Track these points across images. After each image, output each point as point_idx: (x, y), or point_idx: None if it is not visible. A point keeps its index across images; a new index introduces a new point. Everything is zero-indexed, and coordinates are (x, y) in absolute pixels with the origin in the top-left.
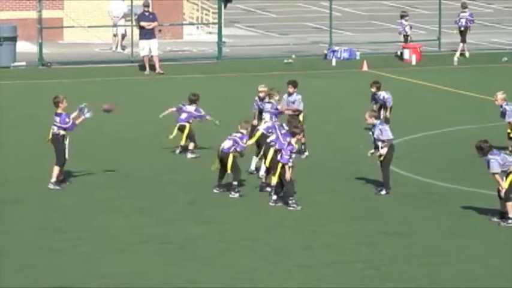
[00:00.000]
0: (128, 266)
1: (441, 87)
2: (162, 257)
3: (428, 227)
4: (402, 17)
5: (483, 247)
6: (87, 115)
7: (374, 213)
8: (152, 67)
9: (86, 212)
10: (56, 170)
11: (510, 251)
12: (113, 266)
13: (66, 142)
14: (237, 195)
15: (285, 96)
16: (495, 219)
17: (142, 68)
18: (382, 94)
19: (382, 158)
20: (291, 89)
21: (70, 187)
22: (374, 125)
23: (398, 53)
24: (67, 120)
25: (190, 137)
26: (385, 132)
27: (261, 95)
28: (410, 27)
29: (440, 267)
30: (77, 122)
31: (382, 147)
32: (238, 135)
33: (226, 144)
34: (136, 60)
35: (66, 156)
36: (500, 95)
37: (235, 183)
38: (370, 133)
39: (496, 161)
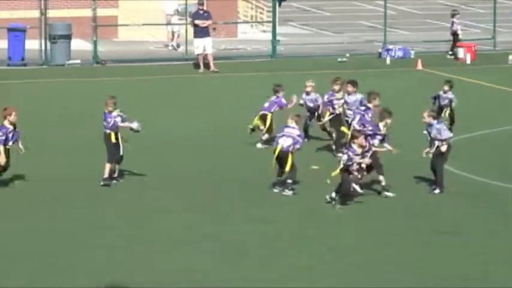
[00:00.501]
0: (182, 265)
1: (496, 86)
2: (216, 255)
3: (484, 227)
4: (453, 15)
5: None
6: (134, 126)
7: (429, 212)
8: (207, 65)
9: (137, 210)
10: (107, 167)
11: None
12: (167, 264)
13: (120, 140)
14: (290, 192)
15: (344, 95)
16: None
17: (196, 66)
18: (449, 94)
19: (440, 156)
20: (350, 88)
21: (122, 185)
22: (431, 125)
23: (449, 53)
24: (109, 120)
25: (268, 129)
26: (443, 131)
27: (308, 89)
28: (460, 27)
29: (495, 266)
30: (121, 125)
31: (442, 145)
32: (295, 132)
33: (286, 142)
34: (191, 58)
35: (121, 152)
36: None
37: (289, 181)
38: (426, 132)
39: None
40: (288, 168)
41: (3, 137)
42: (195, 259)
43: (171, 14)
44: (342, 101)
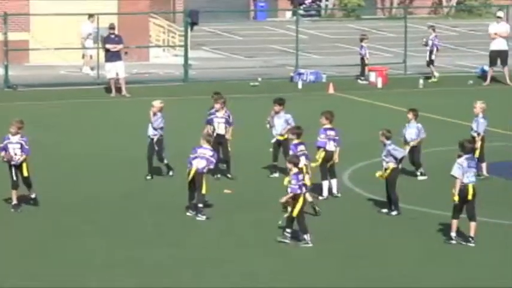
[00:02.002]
0: None
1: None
2: (132, 279)
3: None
4: (362, 40)
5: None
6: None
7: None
8: (118, 89)
9: (51, 234)
10: (13, 193)
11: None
12: None
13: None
14: (204, 217)
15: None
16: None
17: (108, 90)
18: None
19: (387, 176)
20: (277, 108)
21: (35, 209)
22: (384, 145)
23: (361, 78)
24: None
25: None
26: (394, 151)
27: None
28: (367, 51)
29: None
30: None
31: (388, 163)
32: (209, 152)
33: (200, 164)
34: (103, 83)
35: (14, 178)
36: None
37: (200, 205)
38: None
39: (461, 166)
40: (204, 190)
41: None
42: (112, 283)
43: (84, 37)
44: (223, 119)
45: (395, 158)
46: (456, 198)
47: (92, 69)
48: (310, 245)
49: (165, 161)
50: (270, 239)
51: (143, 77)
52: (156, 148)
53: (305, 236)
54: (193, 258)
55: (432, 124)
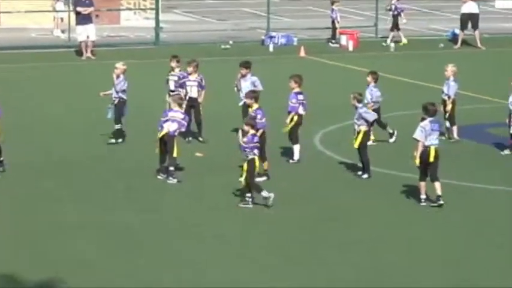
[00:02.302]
0: (68, 254)
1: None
2: (103, 244)
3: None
4: (333, 3)
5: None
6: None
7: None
8: (90, 52)
9: (24, 198)
10: None
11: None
12: (53, 253)
13: None
14: (175, 181)
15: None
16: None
17: (79, 53)
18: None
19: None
20: (243, 71)
21: (7, 173)
22: (356, 108)
23: (332, 41)
24: None
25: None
26: (365, 114)
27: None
28: (339, 14)
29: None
30: None
31: (360, 127)
32: (180, 115)
33: (172, 127)
34: (74, 45)
35: None
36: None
37: (171, 168)
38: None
39: (423, 129)
40: (175, 153)
41: None
42: (82, 248)
43: (55, 0)
44: (196, 83)
45: (367, 121)
46: (417, 161)
47: (63, 32)
48: (250, 206)
49: (118, 126)
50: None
51: (114, 40)
52: (117, 111)
53: (247, 196)
54: (164, 221)
55: (403, 87)
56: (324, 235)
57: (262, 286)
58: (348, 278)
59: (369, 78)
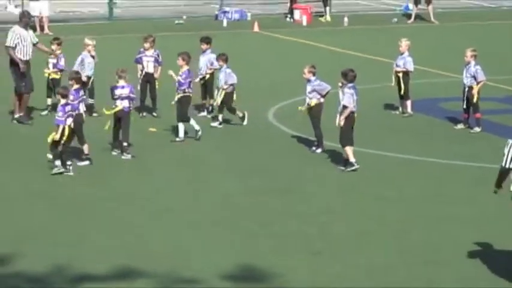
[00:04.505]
0: (16, 222)
1: (332, 48)
2: (51, 213)
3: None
4: None
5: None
6: None
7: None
8: (42, 28)
9: None
10: None
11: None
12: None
13: None
14: (129, 156)
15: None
16: (341, 167)
17: (33, 28)
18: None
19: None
20: (204, 46)
21: None
22: (309, 80)
23: (289, 16)
24: None
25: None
26: (319, 87)
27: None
28: None
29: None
30: None
31: (311, 99)
32: (126, 90)
33: (125, 103)
34: None
35: None
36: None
37: (125, 144)
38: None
39: (352, 95)
40: (129, 127)
41: None
42: (30, 216)
43: None
44: (152, 58)
45: (320, 94)
46: (342, 122)
47: (16, 7)
48: (71, 173)
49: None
50: (195, 176)
51: (67, 16)
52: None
53: (56, 163)
54: (115, 196)
55: (356, 62)
56: (277, 206)
57: (206, 253)
58: (298, 248)
59: None
